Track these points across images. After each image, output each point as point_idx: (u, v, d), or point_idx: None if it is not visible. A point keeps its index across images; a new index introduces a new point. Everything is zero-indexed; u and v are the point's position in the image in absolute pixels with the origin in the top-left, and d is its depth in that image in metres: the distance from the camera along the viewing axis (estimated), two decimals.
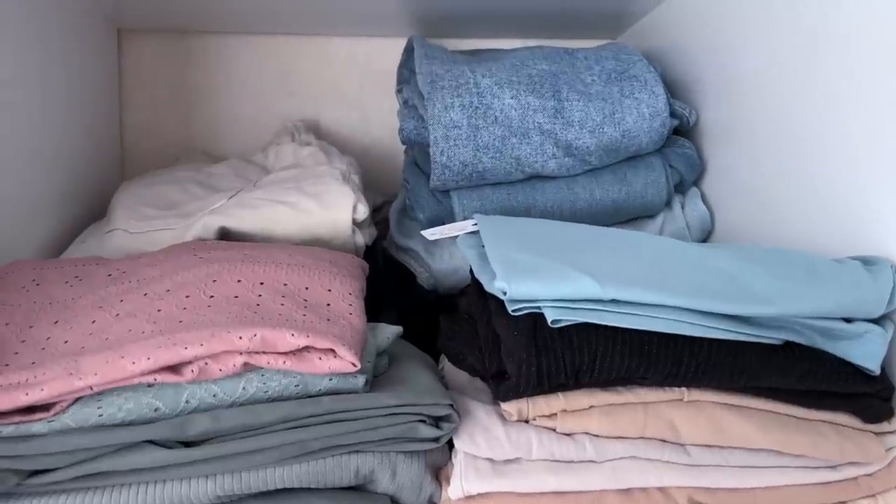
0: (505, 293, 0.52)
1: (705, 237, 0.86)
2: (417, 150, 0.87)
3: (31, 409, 0.49)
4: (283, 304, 0.56)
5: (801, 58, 0.71)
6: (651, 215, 0.86)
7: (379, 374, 0.58)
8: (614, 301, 0.52)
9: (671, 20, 0.98)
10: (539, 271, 0.53)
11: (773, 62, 0.75)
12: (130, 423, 0.49)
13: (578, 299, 0.51)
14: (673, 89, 0.87)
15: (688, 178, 0.86)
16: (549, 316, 0.51)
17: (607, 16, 1.07)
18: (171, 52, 1.11)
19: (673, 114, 0.83)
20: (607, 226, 0.83)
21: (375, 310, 0.67)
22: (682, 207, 0.86)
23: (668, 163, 0.84)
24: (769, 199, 0.76)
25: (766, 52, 0.76)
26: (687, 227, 0.85)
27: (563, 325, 0.51)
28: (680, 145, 0.85)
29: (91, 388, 0.48)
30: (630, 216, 0.85)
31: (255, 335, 0.50)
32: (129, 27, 1.09)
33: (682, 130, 0.88)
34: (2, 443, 0.47)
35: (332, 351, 0.51)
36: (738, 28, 0.81)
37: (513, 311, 0.52)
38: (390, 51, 1.09)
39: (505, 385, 0.52)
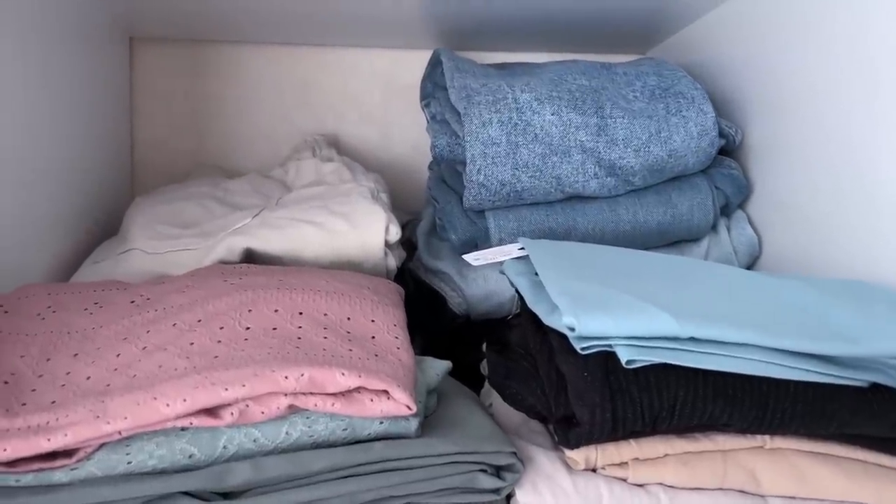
0: (573, 329, 0.47)
1: (753, 263, 0.82)
2: (446, 168, 0.83)
3: (51, 455, 0.44)
4: (325, 338, 0.51)
5: (850, 73, 0.68)
6: (696, 239, 0.82)
7: (429, 414, 0.53)
8: (692, 339, 0.47)
9: (708, 36, 0.94)
10: (610, 305, 0.48)
11: (821, 77, 0.72)
12: (162, 472, 0.45)
13: (654, 337, 0.47)
14: (713, 106, 0.83)
15: (733, 201, 0.82)
16: (624, 356, 0.46)
17: (639, 31, 1.03)
18: (185, 62, 1.06)
19: (720, 133, 0.79)
20: (651, 251, 0.79)
21: None
22: (729, 231, 0.81)
23: (714, 184, 0.80)
24: (820, 223, 0.72)
25: (813, 68, 0.73)
26: (734, 253, 0.80)
27: (638, 365, 0.46)
28: (726, 166, 0.81)
29: (120, 433, 0.44)
30: (674, 240, 0.81)
31: (302, 374, 0.45)
32: (141, 36, 1.05)
33: (728, 150, 0.84)
34: (21, 494, 0.42)
35: (385, 392, 0.46)
36: (783, 43, 0.78)
37: (581, 349, 0.47)
38: (413, 64, 1.06)
39: (575, 432, 0.47)
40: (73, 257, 0.81)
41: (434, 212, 0.85)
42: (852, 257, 0.67)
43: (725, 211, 0.83)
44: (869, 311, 0.53)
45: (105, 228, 0.88)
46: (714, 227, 0.82)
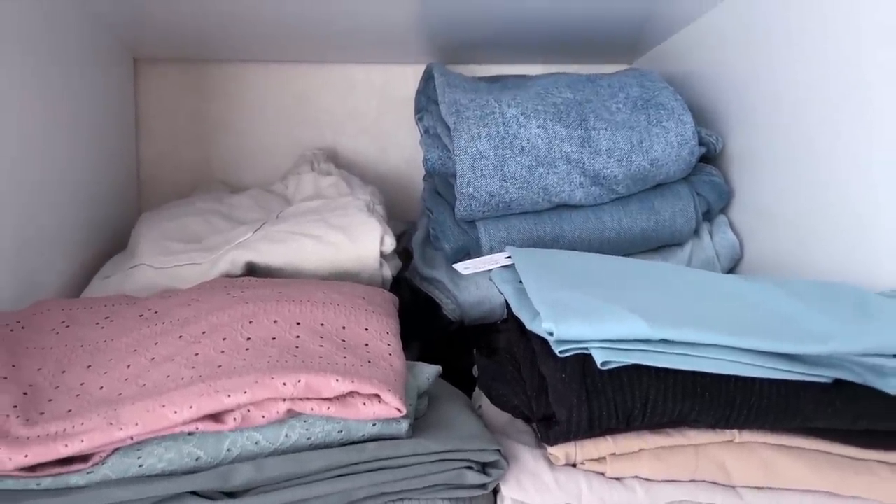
0: (552, 334, 0.51)
1: (734, 266, 0.85)
2: (439, 180, 0.86)
3: (68, 460, 0.47)
4: (322, 346, 0.55)
5: (828, 82, 0.70)
6: (679, 244, 0.85)
7: (419, 416, 0.56)
8: (664, 341, 0.51)
9: (691, 45, 0.97)
10: (586, 312, 0.51)
11: (798, 87, 0.75)
12: (171, 474, 0.48)
13: (627, 339, 0.50)
14: (695, 115, 0.86)
15: (715, 206, 0.85)
16: (599, 358, 0.49)
17: (625, 41, 1.07)
18: (188, 82, 1.10)
19: (700, 141, 0.82)
20: (635, 255, 0.82)
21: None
22: (711, 236, 0.85)
23: (696, 191, 0.83)
24: (798, 227, 0.75)
25: (792, 78, 0.76)
26: (716, 256, 0.84)
27: (612, 367, 0.50)
28: (707, 173, 0.85)
29: (132, 439, 0.47)
30: (658, 245, 0.84)
31: (299, 381, 0.49)
32: (145, 56, 1.09)
33: (709, 158, 0.87)
34: (41, 497, 0.46)
35: (377, 396, 0.50)
36: (763, 54, 0.81)
37: (559, 352, 0.51)
38: (408, 78, 1.09)
39: (555, 430, 0.51)
40: (85, 272, 0.84)
41: (428, 222, 0.88)
42: (830, 260, 0.70)
43: (708, 216, 0.86)
44: (835, 310, 0.55)
45: (114, 245, 0.91)
46: (697, 232, 0.85)
